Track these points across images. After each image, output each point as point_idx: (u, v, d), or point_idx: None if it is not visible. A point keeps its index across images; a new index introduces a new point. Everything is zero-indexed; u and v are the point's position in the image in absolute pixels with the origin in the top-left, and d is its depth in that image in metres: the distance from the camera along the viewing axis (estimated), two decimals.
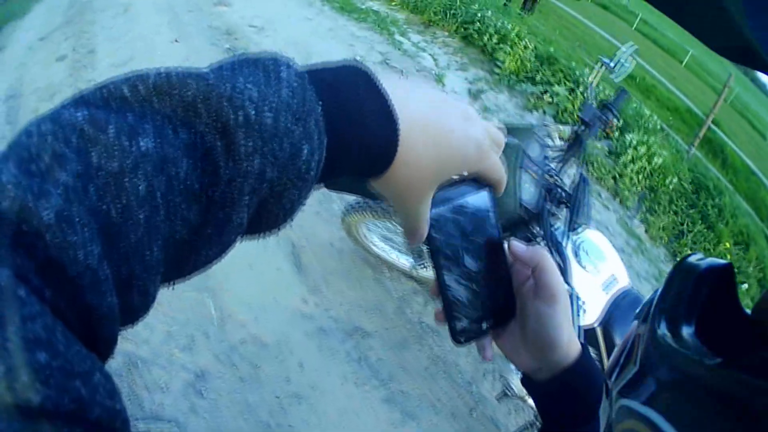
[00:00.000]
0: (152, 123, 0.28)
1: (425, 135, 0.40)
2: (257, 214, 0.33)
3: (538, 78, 5.90)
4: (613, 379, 0.42)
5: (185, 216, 0.29)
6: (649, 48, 19.77)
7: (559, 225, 1.73)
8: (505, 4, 8.57)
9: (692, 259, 0.41)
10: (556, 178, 1.73)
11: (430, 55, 6.05)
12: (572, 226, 1.67)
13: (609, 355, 1.47)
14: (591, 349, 1.47)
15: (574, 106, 5.55)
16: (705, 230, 5.00)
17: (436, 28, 6.91)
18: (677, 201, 5.11)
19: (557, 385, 0.55)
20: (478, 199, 0.48)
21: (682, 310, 0.37)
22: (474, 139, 0.43)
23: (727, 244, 4.89)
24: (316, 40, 5.51)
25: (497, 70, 5.90)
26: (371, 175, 0.40)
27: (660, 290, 0.41)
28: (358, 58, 4.99)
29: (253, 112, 0.30)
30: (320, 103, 0.33)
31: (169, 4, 5.83)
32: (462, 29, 6.71)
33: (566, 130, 5.16)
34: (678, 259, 4.19)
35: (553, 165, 1.81)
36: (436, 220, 0.47)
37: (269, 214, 0.34)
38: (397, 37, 6.24)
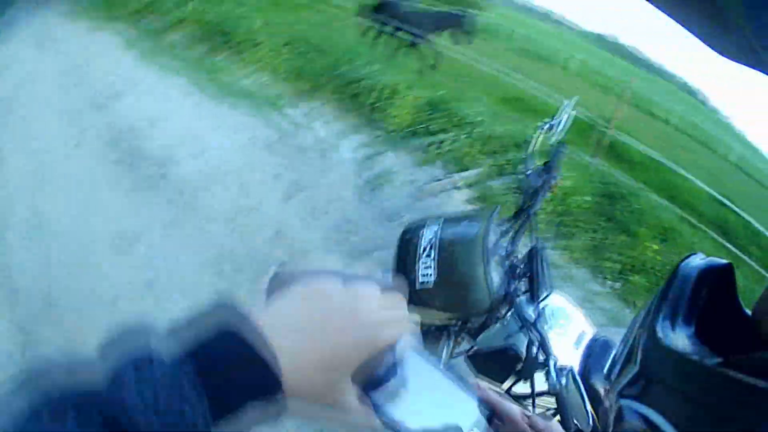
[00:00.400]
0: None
1: (309, 353, 0.43)
2: None
3: (432, 127, 5.85)
4: (613, 379, 0.44)
5: None
6: (529, 62, 20.22)
7: (522, 299, 1.71)
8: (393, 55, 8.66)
9: (692, 259, 0.43)
10: (513, 256, 1.74)
11: (316, 127, 5.92)
12: (537, 298, 1.65)
13: (593, 402, 1.48)
14: (575, 398, 1.50)
15: (472, 149, 5.51)
16: (626, 238, 4.98)
17: (320, 93, 6.82)
18: (593, 218, 5.07)
19: None
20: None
21: (682, 310, 0.39)
22: (361, 331, 0.45)
23: (652, 245, 4.85)
24: (205, 132, 5.39)
25: (390, 128, 5.82)
26: (272, 395, 0.41)
27: (660, 291, 0.42)
28: (247, 141, 5.28)
29: (142, 418, 0.34)
30: (189, 370, 0.37)
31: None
32: (348, 90, 6.65)
33: (470, 175, 5.09)
34: (602, 276, 4.08)
35: (506, 242, 1.79)
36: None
37: None
38: (277, 117, 6.09)
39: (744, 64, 0.41)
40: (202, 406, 0.36)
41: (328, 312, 0.44)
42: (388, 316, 0.47)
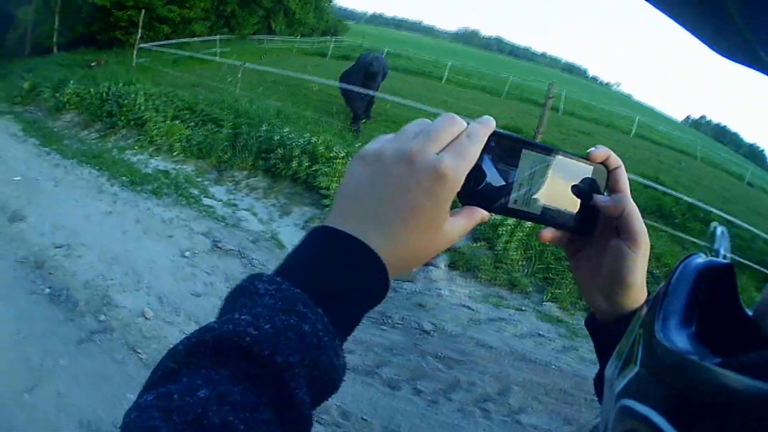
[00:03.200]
0: (200, 377, 0.36)
1: (393, 225, 0.46)
2: (313, 392, 0.41)
3: None
4: (613, 379, 0.44)
5: (264, 420, 0.37)
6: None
7: None
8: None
9: (692, 259, 0.43)
10: None
11: (247, 210, 5.62)
12: None
13: None
14: None
15: None
16: None
17: (232, 170, 6.50)
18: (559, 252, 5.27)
19: (621, 327, 0.52)
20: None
21: (682, 310, 0.39)
22: (417, 185, 0.46)
23: None
24: (134, 245, 5.03)
25: (326, 201, 5.66)
26: (384, 282, 0.46)
27: (660, 291, 0.42)
28: (186, 254, 4.91)
29: (255, 332, 0.38)
30: (299, 289, 0.41)
31: None
32: (261, 161, 6.38)
33: None
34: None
35: None
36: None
37: (319, 384, 0.41)
38: (205, 200, 5.71)
39: (744, 64, 0.42)
40: (320, 320, 0.41)
41: (393, 193, 0.46)
42: (448, 147, 0.48)
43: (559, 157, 0.56)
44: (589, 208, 0.57)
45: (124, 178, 6.31)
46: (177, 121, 7.77)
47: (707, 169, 19.36)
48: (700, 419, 0.31)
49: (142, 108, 8.19)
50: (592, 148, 0.58)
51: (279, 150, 6.22)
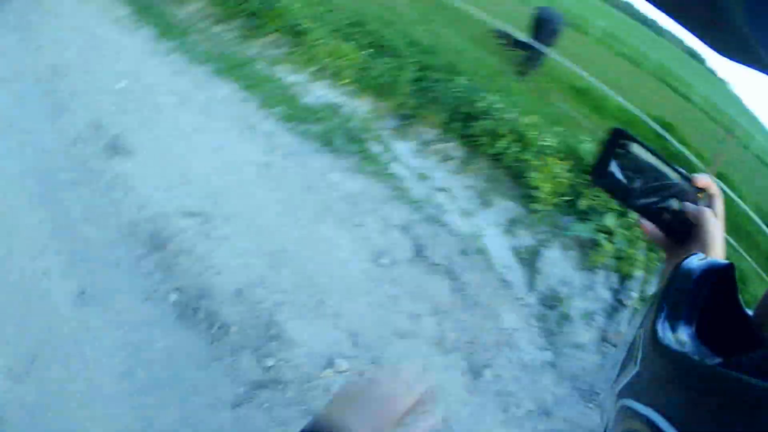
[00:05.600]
0: None
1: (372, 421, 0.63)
2: None
3: (582, 204, 4.78)
4: (613, 379, 0.47)
5: None
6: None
7: None
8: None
9: (692, 259, 0.46)
10: None
11: (444, 191, 4.69)
12: None
13: None
14: None
15: (646, 254, 4.53)
16: None
17: (419, 123, 5.52)
18: None
19: None
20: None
21: (682, 310, 0.41)
22: (392, 403, 0.66)
23: None
24: (308, 232, 3.73)
25: (535, 204, 4.71)
26: None
27: (660, 291, 0.45)
28: (383, 260, 3.73)
29: None
30: None
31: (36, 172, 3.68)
32: (459, 123, 5.40)
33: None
34: None
35: None
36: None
37: None
38: (393, 166, 4.78)
39: (744, 64, 0.44)
40: None
41: (376, 394, 0.66)
42: (405, 394, 0.67)
43: (672, 171, 0.69)
44: (683, 218, 0.69)
45: (281, 107, 5.01)
46: (345, 42, 6.34)
47: None
48: (700, 419, 0.32)
49: (298, 14, 6.55)
50: (697, 174, 0.69)
51: (485, 122, 5.20)
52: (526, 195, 4.93)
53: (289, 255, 3.43)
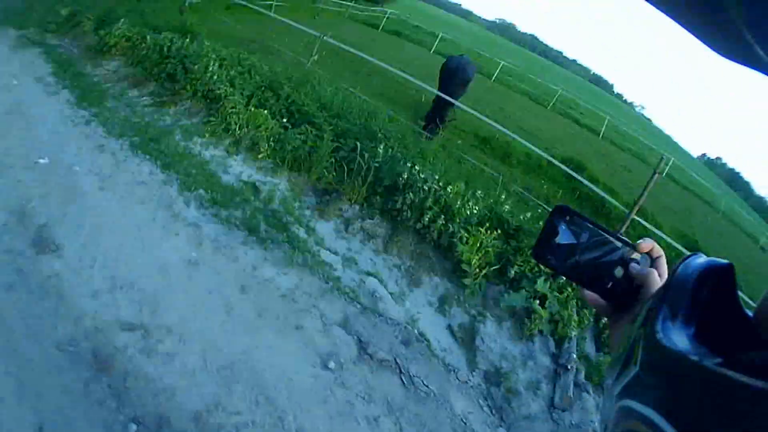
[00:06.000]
0: None
1: None
2: None
3: (512, 272, 4.81)
4: (613, 379, 0.47)
5: None
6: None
7: None
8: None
9: (692, 259, 0.46)
10: None
11: (372, 275, 4.58)
12: None
13: None
14: None
15: (578, 312, 4.61)
16: None
17: (339, 199, 5.41)
18: None
19: None
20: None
21: (682, 310, 0.42)
22: None
23: None
24: (250, 341, 3.52)
25: (465, 279, 4.68)
26: None
27: (660, 291, 0.46)
28: (330, 364, 3.59)
29: None
30: None
31: None
32: (378, 197, 5.34)
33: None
34: None
35: None
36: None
37: None
38: (322, 253, 4.63)
39: (744, 65, 0.44)
40: None
41: None
42: None
43: (615, 239, 0.71)
44: (628, 282, 0.69)
45: (201, 189, 4.85)
46: (260, 108, 6.36)
47: (728, 227, 20.28)
48: (700, 419, 0.32)
49: (215, 78, 6.60)
50: (641, 241, 0.70)
51: (407, 194, 5.16)
52: (455, 269, 4.90)
53: (238, 369, 3.27)
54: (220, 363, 3.25)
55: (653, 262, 0.69)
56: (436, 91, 9.43)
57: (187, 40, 7.61)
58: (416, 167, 5.38)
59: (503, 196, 5.88)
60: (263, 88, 6.95)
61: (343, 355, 3.68)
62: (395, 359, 3.79)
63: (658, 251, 0.70)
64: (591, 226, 0.71)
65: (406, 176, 5.29)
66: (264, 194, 5.17)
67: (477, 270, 4.79)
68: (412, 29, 27.31)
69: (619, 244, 0.70)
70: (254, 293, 3.93)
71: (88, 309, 3.30)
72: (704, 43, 0.47)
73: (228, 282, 3.93)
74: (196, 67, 6.81)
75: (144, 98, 6.56)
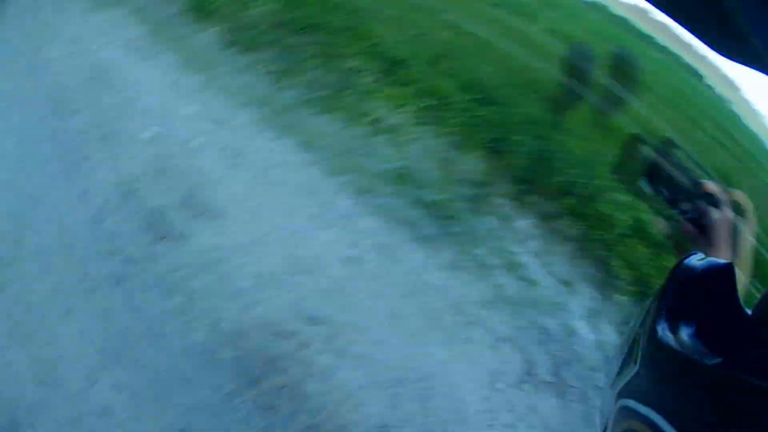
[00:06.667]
0: None
1: None
2: None
3: None
4: (612, 378, 0.47)
5: None
6: None
7: None
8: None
9: (692, 259, 0.46)
10: None
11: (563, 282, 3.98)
12: None
13: None
14: None
15: None
16: None
17: (529, 196, 4.78)
18: None
19: None
20: None
21: (682, 310, 0.41)
22: None
23: None
24: (419, 351, 3.08)
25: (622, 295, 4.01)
26: None
27: (660, 290, 0.46)
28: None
29: None
30: None
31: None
32: (569, 201, 4.70)
33: None
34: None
35: None
36: None
37: None
38: (490, 258, 4.04)
39: (744, 64, 0.45)
40: None
41: None
42: None
43: (706, 182, 0.72)
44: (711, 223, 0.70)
45: (349, 175, 4.04)
46: (441, 79, 5.12)
47: None
48: (700, 419, 0.32)
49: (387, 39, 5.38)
50: (704, 181, 0.72)
51: (602, 205, 4.50)
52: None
53: (407, 386, 2.85)
54: (388, 377, 2.85)
55: (719, 205, 0.70)
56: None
57: None
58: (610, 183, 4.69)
59: None
60: (439, 56, 5.58)
61: (510, 375, 3.19)
62: (583, 388, 3.26)
63: (745, 201, 0.71)
64: (690, 162, 0.73)
65: (605, 195, 4.64)
66: (421, 181, 4.61)
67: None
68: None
69: (714, 189, 0.72)
70: (419, 300, 3.25)
71: (226, 310, 2.86)
72: (704, 42, 0.47)
73: (392, 286, 3.25)
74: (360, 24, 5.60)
75: (260, 65, 5.41)
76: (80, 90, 4.23)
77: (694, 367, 0.35)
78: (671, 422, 0.34)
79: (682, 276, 0.44)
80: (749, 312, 0.41)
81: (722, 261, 0.46)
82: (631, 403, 0.40)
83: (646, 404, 0.37)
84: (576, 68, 8.13)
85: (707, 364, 0.34)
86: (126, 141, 3.85)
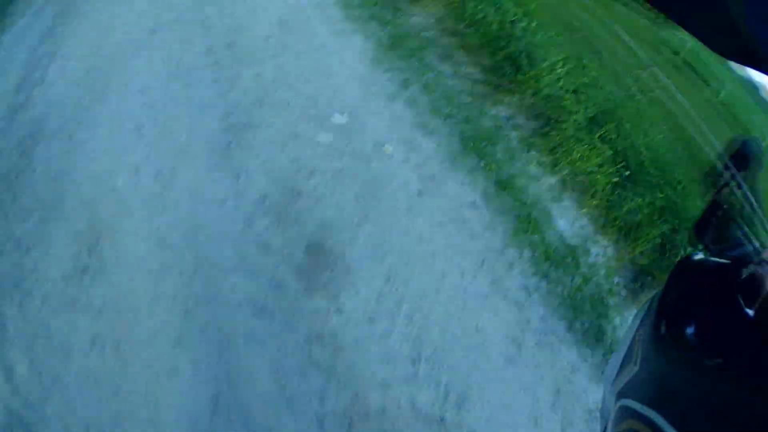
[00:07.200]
0: None
1: None
2: None
3: None
4: (613, 378, 0.47)
5: None
6: None
7: None
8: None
9: (692, 259, 0.49)
10: None
11: None
12: None
13: None
14: None
15: None
16: None
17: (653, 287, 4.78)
18: None
19: None
20: None
21: (682, 310, 0.42)
22: None
23: None
24: None
25: None
26: None
27: (660, 290, 0.46)
28: None
29: None
30: None
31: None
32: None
33: None
34: None
35: None
36: None
37: None
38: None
39: (744, 64, 0.47)
40: None
41: None
42: None
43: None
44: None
45: (527, 248, 3.33)
46: (603, 141, 4.42)
47: None
48: (699, 419, 0.32)
49: (560, 83, 4.70)
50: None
51: None
52: None
53: None
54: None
55: None
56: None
57: (533, 23, 5.32)
58: None
59: None
60: (605, 113, 4.76)
61: None
62: None
63: None
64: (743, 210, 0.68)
65: None
66: (589, 264, 3.65)
67: None
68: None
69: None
70: (563, 402, 2.97)
71: (373, 378, 2.42)
72: (704, 42, 0.46)
73: (542, 383, 2.97)
74: (545, 64, 4.86)
75: (472, 71, 4.66)
76: (275, 62, 4.01)
77: (694, 367, 0.35)
78: (671, 422, 0.33)
79: (681, 276, 0.44)
80: (749, 312, 0.40)
81: (722, 261, 0.44)
82: (631, 403, 0.40)
83: (646, 404, 0.37)
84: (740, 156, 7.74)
85: (707, 364, 0.34)
86: (312, 122, 3.58)
